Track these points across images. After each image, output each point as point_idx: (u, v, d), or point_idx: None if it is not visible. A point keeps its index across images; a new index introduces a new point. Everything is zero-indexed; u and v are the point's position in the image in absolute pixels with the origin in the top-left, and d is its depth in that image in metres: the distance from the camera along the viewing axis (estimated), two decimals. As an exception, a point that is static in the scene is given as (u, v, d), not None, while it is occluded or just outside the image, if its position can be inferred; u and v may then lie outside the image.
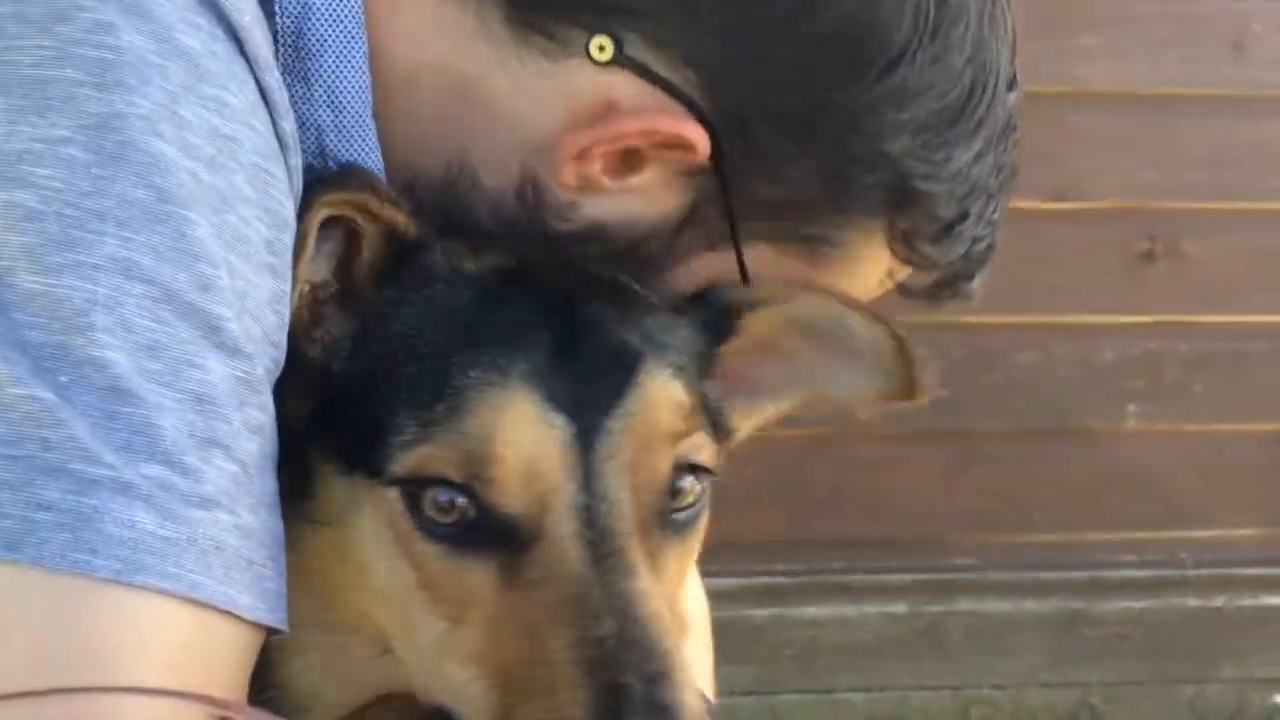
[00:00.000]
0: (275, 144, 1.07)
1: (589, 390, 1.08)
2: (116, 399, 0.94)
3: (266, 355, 1.05)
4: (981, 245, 1.38)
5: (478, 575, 1.05)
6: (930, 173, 1.27)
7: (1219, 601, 3.82)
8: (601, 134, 1.20)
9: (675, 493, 1.11)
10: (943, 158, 1.27)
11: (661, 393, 1.11)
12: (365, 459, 1.08)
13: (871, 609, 3.71)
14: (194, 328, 0.98)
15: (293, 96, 1.15)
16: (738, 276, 1.25)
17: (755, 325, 1.25)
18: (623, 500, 1.06)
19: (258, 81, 1.07)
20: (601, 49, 1.18)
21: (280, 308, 1.06)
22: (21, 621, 0.92)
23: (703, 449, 1.14)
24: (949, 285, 1.39)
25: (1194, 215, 3.60)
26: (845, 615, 3.71)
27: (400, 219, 1.15)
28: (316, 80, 1.20)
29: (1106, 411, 3.66)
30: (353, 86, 1.21)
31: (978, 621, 3.76)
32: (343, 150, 1.22)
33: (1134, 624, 3.80)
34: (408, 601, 1.06)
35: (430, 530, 1.05)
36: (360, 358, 1.12)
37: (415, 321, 1.12)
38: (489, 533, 1.05)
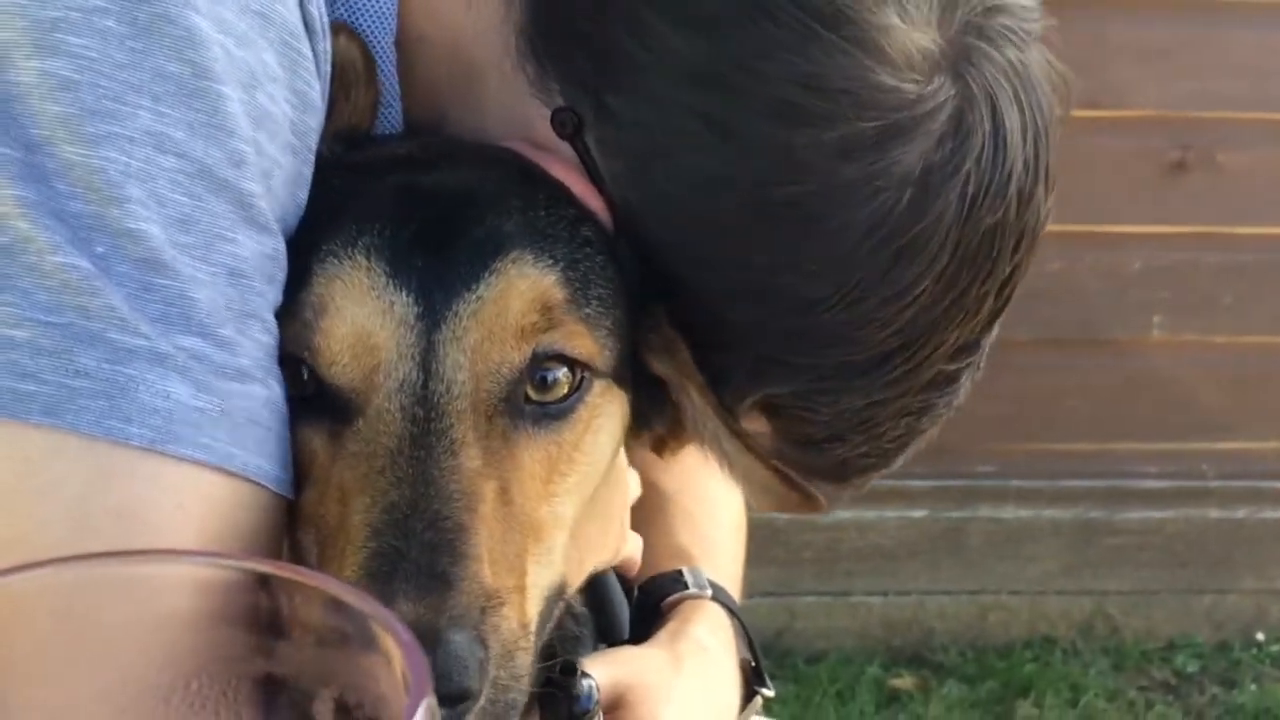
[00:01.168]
0: (302, 25, 1.07)
1: (445, 273, 1.07)
2: (152, 270, 0.95)
3: (283, 235, 1.05)
4: (865, 461, 1.29)
5: (312, 444, 1.06)
6: (804, 406, 1.21)
7: (1241, 513, 3.83)
8: (534, 157, 1.19)
9: (542, 384, 1.09)
10: (829, 401, 1.20)
11: (523, 281, 1.08)
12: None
13: (891, 514, 3.74)
14: (226, 203, 0.98)
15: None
16: None
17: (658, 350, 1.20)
18: (458, 382, 1.05)
19: None
20: (563, 124, 1.17)
21: (297, 190, 1.07)
22: (60, 484, 0.93)
23: (576, 340, 1.10)
24: (806, 476, 1.25)
25: (1229, 125, 3.56)
26: (865, 519, 3.74)
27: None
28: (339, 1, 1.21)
29: (1133, 322, 3.65)
30: (374, 11, 1.21)
31: (997, 528, 3.79)
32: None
33: (1154, 534, 3.82)
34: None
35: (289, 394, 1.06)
36: None
37: (305, 217, 1.11)
38: (323, 404, 1.06)
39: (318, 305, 1.06)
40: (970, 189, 1.14)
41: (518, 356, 1.07)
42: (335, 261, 1.07)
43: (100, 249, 0.94)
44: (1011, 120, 1.16)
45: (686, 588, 1.45)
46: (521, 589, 1.03)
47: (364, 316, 1.05)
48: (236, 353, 0.98)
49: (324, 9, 1.11)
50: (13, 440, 0.92)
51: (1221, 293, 3.64)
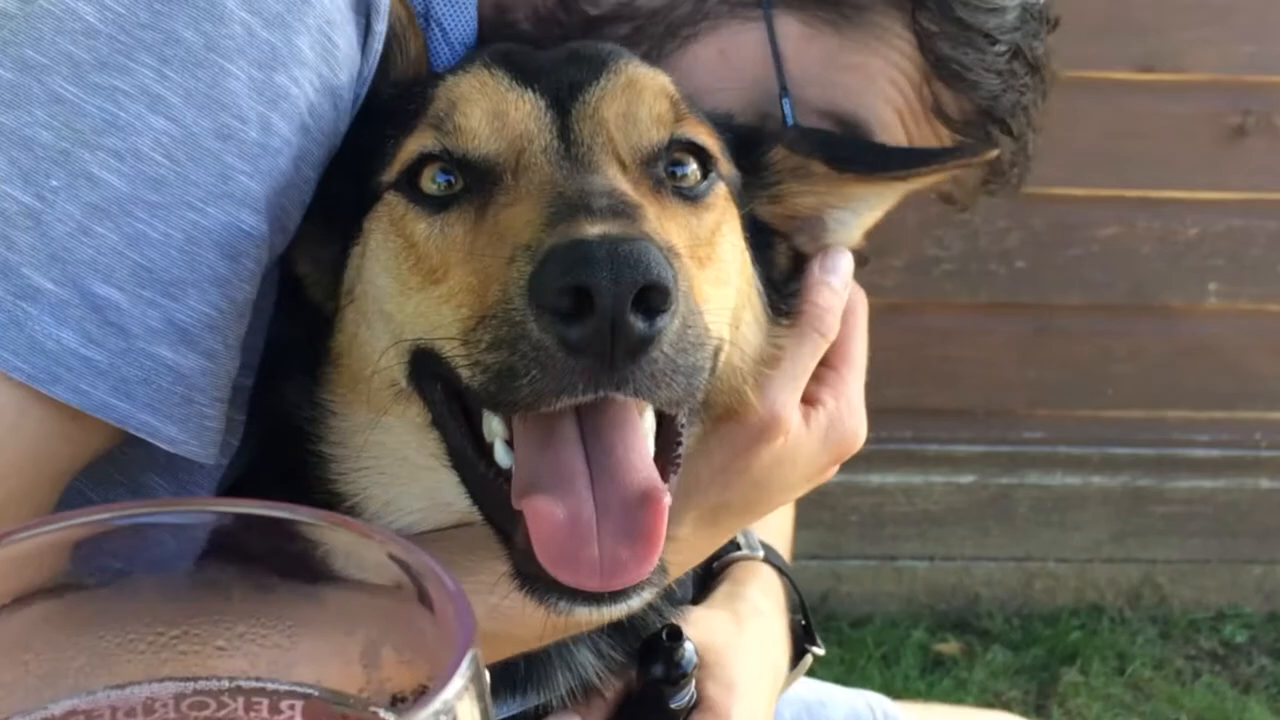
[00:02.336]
0: (349, 13, 1.09)
1: (566, 78, 1.14)
2: (97, 217, 0.98)
3: (282, 209, 1.07)
4: (1009, 94, 1.41)
5: (459, 225, 1.08)
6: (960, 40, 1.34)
7: (1292, 484, 3.80)
8: None
9: (673, 175, 1.14)
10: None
11: (640, 73, 1.16)
12: (368, 202, 1.15)
13: (938, 479, 3.73)
14: (205, 173, 1.01)
15: None
16: (767, 56, 1.31)
17: (797, 189, 1.28)
18: (599, 145, 1.10)
19: None
20: None
21: (304, 166, 1.09)
22: None
23: (701, 133, 1.17)
24: (981, 125, 1.41)
25: (1291, 90, 3.51)
26: (912, 484, 3.72)
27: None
28: None
29: (1187, 288, 3.61)
30: None
31: (1045, 495, 3.77)
32: (445, 14, 1.29)
33: (1204, 503, 3.78)
34: (406, 290, 1.09)
35: (424, 204, 1.10)
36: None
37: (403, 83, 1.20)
38: (473, 190, 1.10)
39: (449, 101, 1.12)
40: None
41: (654, 135, 1.13)
42: (457, 73, 1.14)
43: (55, 182, 0.97)
44: None
45: (739, 549, 1.46)
46: (688, 295, 1.02)
47: (496, 101, 1.11)
48: (151, 315, 1.01)
49: None
50: None
51: (1277, 260, 3.59)
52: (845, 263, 1.28)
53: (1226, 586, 3.84)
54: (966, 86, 1.38)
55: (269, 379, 1.20)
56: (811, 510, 3.47)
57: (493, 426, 1.05)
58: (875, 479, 3.69)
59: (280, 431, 1.20)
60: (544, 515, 0.98)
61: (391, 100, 1.17)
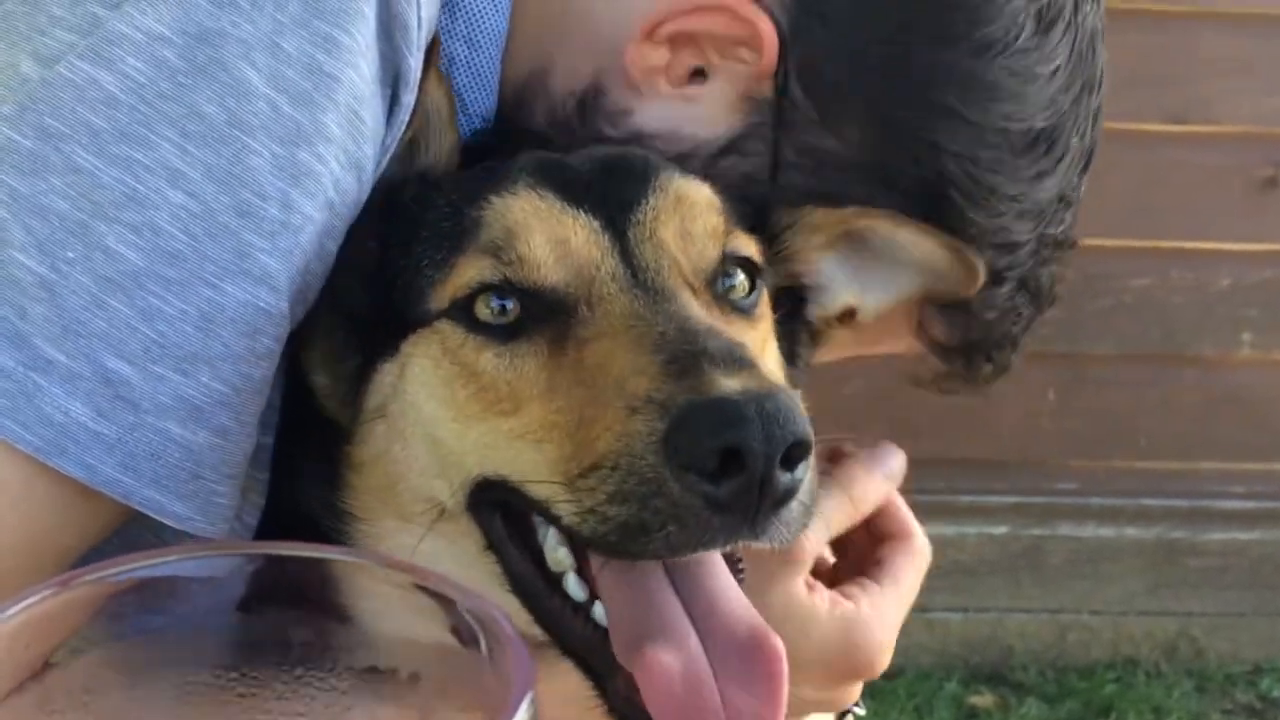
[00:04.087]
0: (376, 86, 1.09)
1: (612, 195, 1.12)
2: (112, 290, 0.98)
3: (304, 283, 1.07)
4: (1003, 326, 1.36)
5: (531, 358, 1.06)
6: (971, 191, 1.26)
7: (1328, 536, 3.77)
8: (673, 7, 1.23)
9: (724, 286, 1.14)
10: (988, 187, 1.27)
11: (688, 188, 1.14)
12: (407, 325, 1.11)
13: (971, 530, 3.71)
14: (222, 249, 1.00)
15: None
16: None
17: (804, 243, 1.26)
18: (663, 267, 1.08)
19: (391, 11, 1.08)
20: None
21: (327, 241, 1.08)
22: None
23: (749, 245, 1.16)
24: (966, 355, 1.37)
25: (1323, 141, 3.51)
26: (945, 535, 3.71)
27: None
28: (460, 14, 1.23)
29: (1220, 339, 3.60)
30: (492, 29, 1.25)
31: (1078, 546, 3.75)
32: (467, 88, 1.27)
33: (1238, 555, 3.76)
34: (463, 418, 1.07)
35: (487, 332, 1.07)
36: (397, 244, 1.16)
37: (437, 195, 1.16)
38: (538, 320, 1.07)
39: (504, 231, 1.08)
40: None
41: (710, 252, 1.12)
42: (502, 194, 1.10)
43: (71, 254, 0.97)
44: None
45: None
46: None
47: (555, 225, 1.09)
48: (161, 390, 1.00)
49: (419, 66, 1.12)
50: None
51: (1312, 312, 3.58)
52: (896, 460, 1.28)
53: (1263, 640, 3.80)
54: (961, 319, 1.33)
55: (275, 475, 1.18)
56: (843, 561, 3.45)
57: (559, 557, 1.04)
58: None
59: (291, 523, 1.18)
60: (660, 673, 0.96)
61: (420, 204, 1.15)
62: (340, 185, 1.07)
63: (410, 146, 1.18)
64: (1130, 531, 3.75)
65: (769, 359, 1.17)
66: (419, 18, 1.10)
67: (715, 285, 1.13)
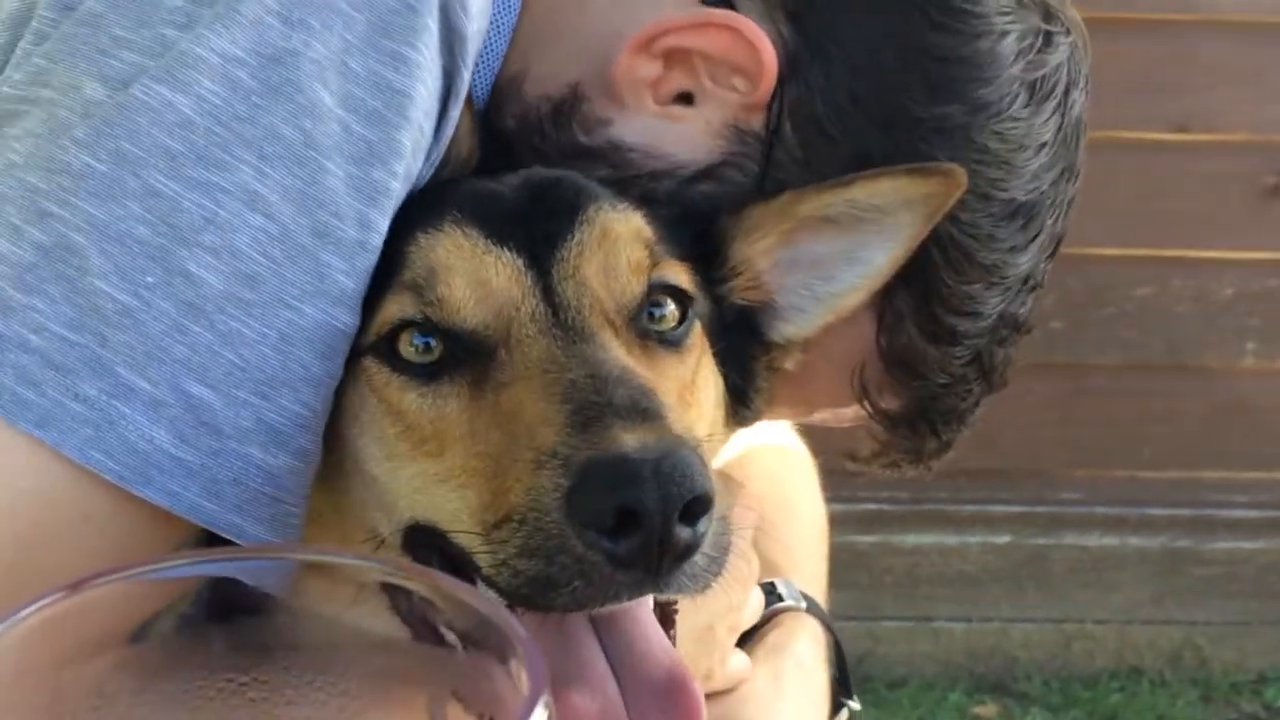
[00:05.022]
0: (438, 101, 1.09)
1: (538, 230, 1.10)
2: (193, 315, 0.97)
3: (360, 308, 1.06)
4: (950, 398, 1.35)
5: (453, 400, 1.05)
6: (948, 251, 1.26)
7: (1333, 545, 3.76)
8: (679, 20, 1.23)
9: (652, 317, 1.12)
10: (965, 250, 1.26)
11: (614, 220, 1.12)
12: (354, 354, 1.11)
13: (974, 539, 3.71)
14: (301, 271, 1.00)
15: None
16: None
17: (749, 249, 1.24)
18: (584, 306, 1.07)
19: (451, 25, 1.08)
20: None
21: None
22: (25, 494, 0.96)
23: (679, 274, 1.14)
24: (911, 425, 1.36)
25: (1326, 150, 3.51)
26: (947, 544, 3.70)
27: None
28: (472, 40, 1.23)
29: (1224, 348, 3.60)
30: (494, 52, 1.25)
31: (1082, 556, 3.74)
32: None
33: (1243, 564, 3.75)
34: (394, 457, 1.06)
35: (407, 372, 1.06)
36: None
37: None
38: (459, 361, 1.06)
39: (426, 270, 1.07)
40: (1069, 73, 1.31)
41: (634, 288, 1.10)
42: (429, 235, 1.09)
43: (151, 279, 0.96)
44: (1080, 39, 1.33)
45: (781, 599, 1.45)
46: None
47: (476, 266, 1.07)
48: (245, 415, 0.99)
49: (469, 79, 1.12)
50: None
51: (1316, 320, 3.58)
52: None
53: (1268, 649, 3.79)
54: (910, 379, 1.32)
55: None
56: (847, 571, 3.45)
57: (490, 597, 1.01)
58: (911, 539, 3.67)
59: None
60: (576, 717, 0.96)
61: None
62: (398, 198, 1.06)
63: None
64: (1134, 541, 3.74)
65: (701, 391, 1.15)
66: (473, 30, 1.10)
67: (639, 320, 1.11)
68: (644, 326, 1.11)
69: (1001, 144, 1.25)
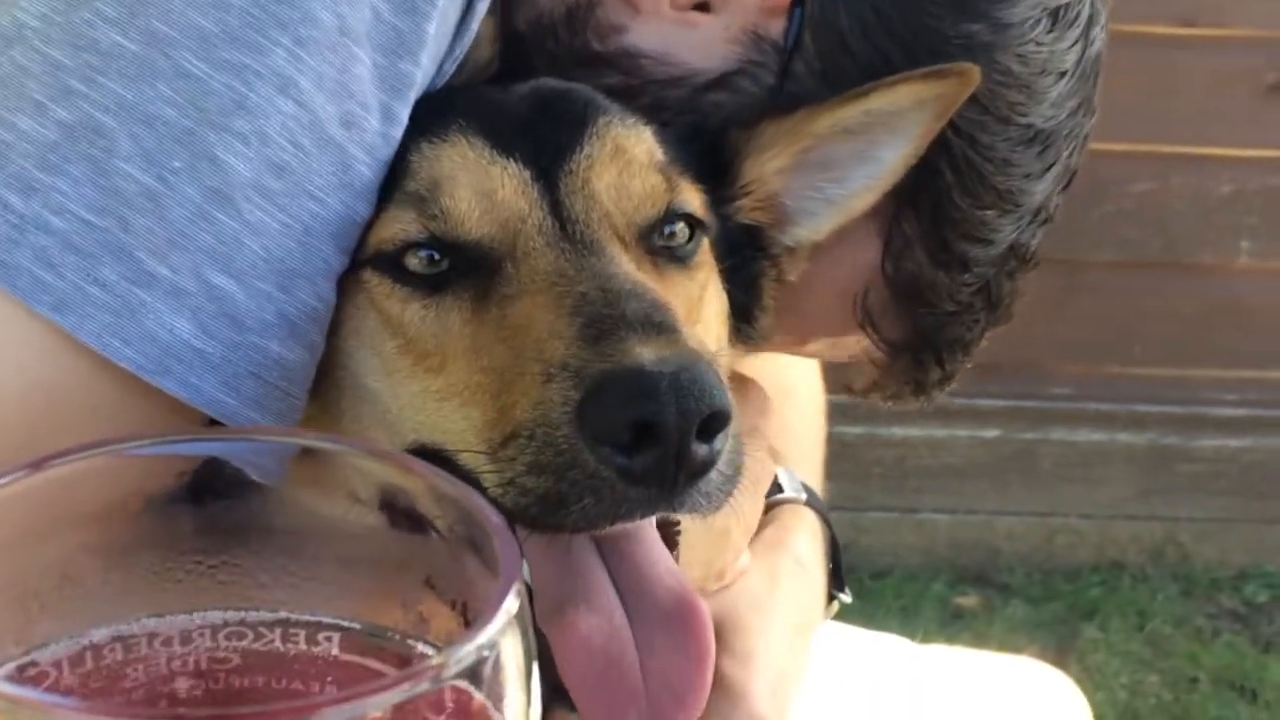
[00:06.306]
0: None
1: (546, 141, 1.08)
2: (218, 202, 0.94)
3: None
4: (955, 327, 1.34)
5: (455, 314, 1.03)
6: (963, 173, 1.25)
7: (1320, 445, 3.78)
8: None
9: (663, 234, 1.10)
10: (979, 173, 1.25)
11: (626, 136, 1.10)
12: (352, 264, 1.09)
13: (962, 432, 3.72)
14: (328, 161, 0.97)
15: None
16: None
17: (760, 169, 1.22)
18: (595, 220, 1.05)
19: None
20: None
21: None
22: (38, 378, 0.94)
23: (692, 199, 1.13)
24: (915, 354, 1.35)
25: (1331, 46, 3.46)
26: (935, 437, 3.71)
27: None
28: None
29: (1219, 246, 3.58)
30: None
31: (1070, 451, 3.75)
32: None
33: (1229, 462, 3.77)
34: (394, 373, 1.04)
35: (414, 283, 1.04)
36: None
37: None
38: (463, 274, 1.04)
39: (430, 181, 1.05)
40: (1092, 6, 1.29)
41: (651, 210, 1.09)
42: (434, 143, 1.06)
43: (178, 163, 0.93)
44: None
45: (781, 490, 1.44)
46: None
47: (481, 177, 1.05)
48: (266, 308, 0.97)
49: None
50: (14, 319, 0.93)
51: (1313, 220, 3.56)
52: None
53: (1250, 546, 3.82)
54: (915, 306, 1.30)
55: None
56: (834, 462, 3.45)
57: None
58: (899, 432, 3.68)
59: None
60: (580, 643, 0.95)
61: None
62: (419, 90, 1.04)
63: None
64: (1122, 437, 3.75)
65: (708, 309, 1.14)
66: None
67: (649, 237, 1.09)
68: (653, 243, 1.09)
69: (1024, 67, 1.24)
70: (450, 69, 1.10)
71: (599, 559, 1.00)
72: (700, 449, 0.90)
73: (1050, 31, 1.25)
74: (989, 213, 1.27)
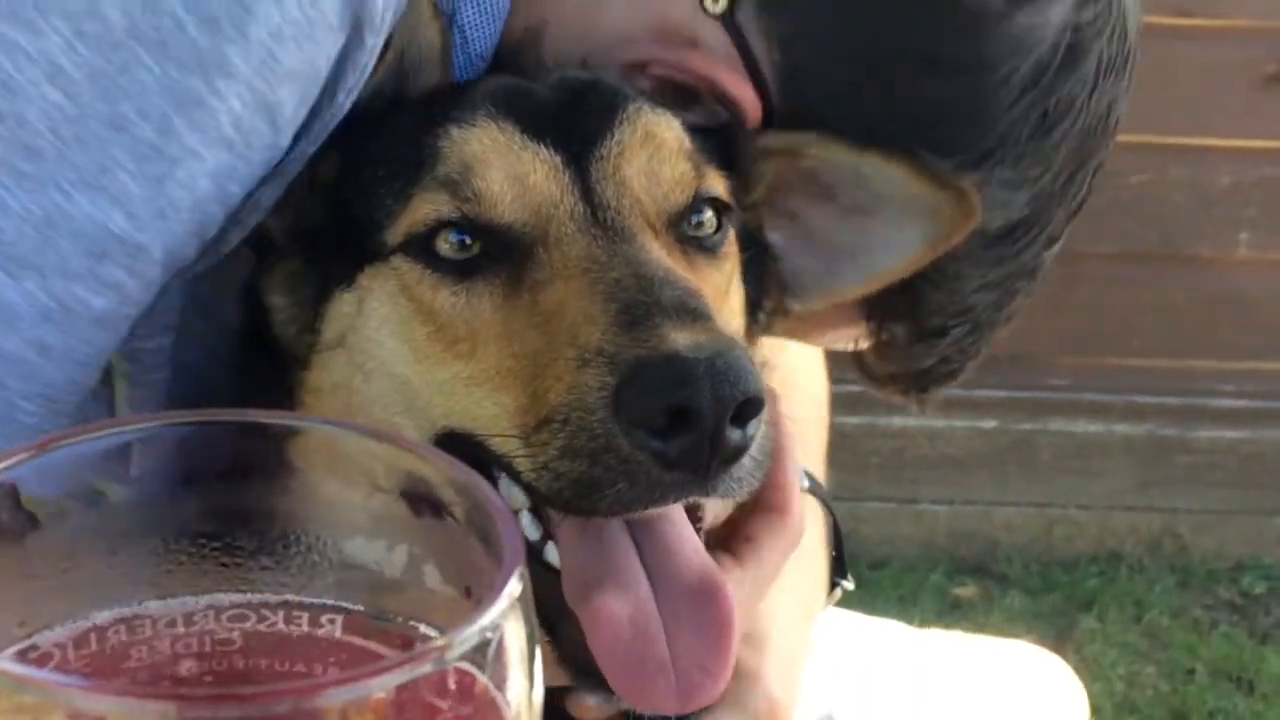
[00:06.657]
0: (313, 27, 1.00)
1: (576, 128, 1.09)
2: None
3: (188, 223, 1.01)
4: (946, 367, 1.36)
5: (487, 299, 1.03)
6: (932, 278, 1.25)
7: (1318, 436, 3.78)
8: (667, 56, 1.19)
9: (692, 223, 1.11)
10: (952, 271, 1.26)
11: (657, 123, 1.11)
12: (364, 254, 1.08)
13: (960, 423, 3.72)
14: (86, 158, 0.95)
15: None
16: None
17: (758, 167, 1.22)
18: (626, 207, 1.06)
19: None
20: (716, 1, 1.18)
21: (233, 184, 1.02)
22: None
23: (718, 183, 1.13)
24: (899, 382, 1.38)
25: (1330, 37, 3.46)
26: (934, 428, 3.71)
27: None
28: None
29: (1217, 238, 3.58)
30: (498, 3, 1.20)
31: (1068, 442, 3.76)
32: (473, 25, 1.20)
33: (1227, 454, 3.77)
34: (425, 359, 1.05)
35: (445, 268, 1.04)
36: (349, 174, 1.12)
37: (400, 117, 1.12)
38: (494, 259, 1.04)
39: (461, 164, 1.05)
40: (1104, 58, 1.25)
41: (680, 197, 1.09)
42: (463, 125, 1.07)
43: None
44: (1127, 5, 1.27)
45: None
46: None
47: (513, 163, 1.05)
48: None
49: (386, 6, 1.04)
50: None
51: (1311, 211, 3.56)
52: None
53: (1248, 537, 3.83)
54: (934, 294, 1.29)
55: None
56: (833, 452, 3.46)
57: (514, 494, 1.01)
58: (897, 422, 3.69)
59: None
60: (608, 619, 0.96)
61: (382, 125, 1.10)
62: (243, 125, 0.99)
63: (397, 83, 1.13)
64: (1120, 428, 3.75)
65: (733, 299, 1.15)
66: None
67: (679, 226, 1.10)
68: (683, 232, 1.10)
69: (1004, 187, 1.25)
70: (346, 102, 1.06)
71: (628, 537, 1.01)
72: (734, 434, 0.91)
73: (1034, 139, 1.25)
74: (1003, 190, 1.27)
